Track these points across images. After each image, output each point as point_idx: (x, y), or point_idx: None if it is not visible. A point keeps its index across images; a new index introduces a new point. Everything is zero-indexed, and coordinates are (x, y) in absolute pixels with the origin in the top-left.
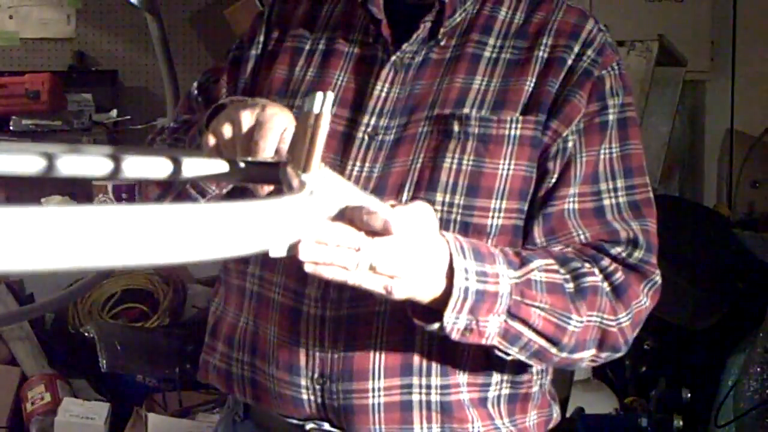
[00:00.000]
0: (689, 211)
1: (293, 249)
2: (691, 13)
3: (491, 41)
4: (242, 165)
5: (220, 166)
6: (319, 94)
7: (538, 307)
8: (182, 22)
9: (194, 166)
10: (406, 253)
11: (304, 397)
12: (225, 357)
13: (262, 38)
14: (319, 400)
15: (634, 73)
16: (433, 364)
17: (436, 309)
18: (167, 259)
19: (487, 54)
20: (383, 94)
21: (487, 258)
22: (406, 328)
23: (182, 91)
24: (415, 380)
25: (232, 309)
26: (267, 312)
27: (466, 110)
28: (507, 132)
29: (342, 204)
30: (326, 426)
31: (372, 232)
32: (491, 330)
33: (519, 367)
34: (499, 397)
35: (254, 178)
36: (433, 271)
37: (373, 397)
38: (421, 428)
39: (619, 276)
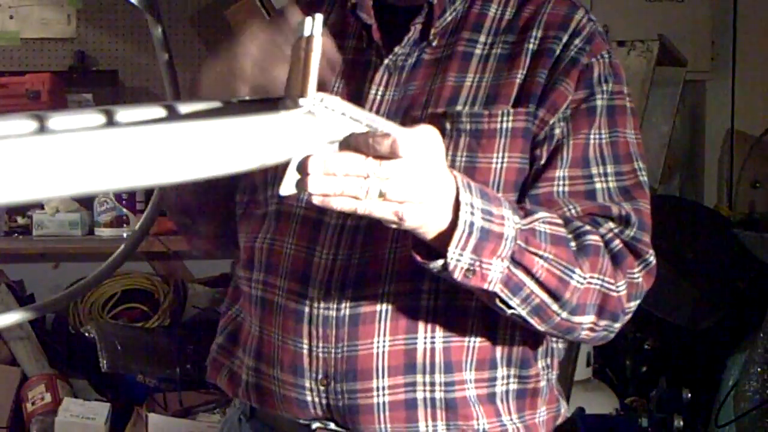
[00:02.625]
0: (689, 211)
1: (301, 184)
2: (691, 13)
3: (482, 38)
4: (237, 103)
5: (215, 105)
6: (308, 18)
7: (541, 257)
8: (182, 22)
9: (188, 108)
10: (415, 176)
11: (309, 398)
12: (239, 362)
13: None
14: (324, 401)
15: (634, 73)
16: (437, 361)
17: (439, 251)
18: (155, 180)
19: (478, 51)
20: (378, 98)
21: (493, 200)
22: (409, 326)
23: (183, 91)
24: (419, 378)
25: (245, 315)
26: (270, 316)
27: (458, 108)
28: (498, 125)
29: (346, 130)
30: (332, 425)
31: (380, 157)
32: (494, 275)
33: (524, 361)
34: (507, 392)
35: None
36: (442, 197)
37: (378, 396)
38: (426, 426)
39: (618, 244)
